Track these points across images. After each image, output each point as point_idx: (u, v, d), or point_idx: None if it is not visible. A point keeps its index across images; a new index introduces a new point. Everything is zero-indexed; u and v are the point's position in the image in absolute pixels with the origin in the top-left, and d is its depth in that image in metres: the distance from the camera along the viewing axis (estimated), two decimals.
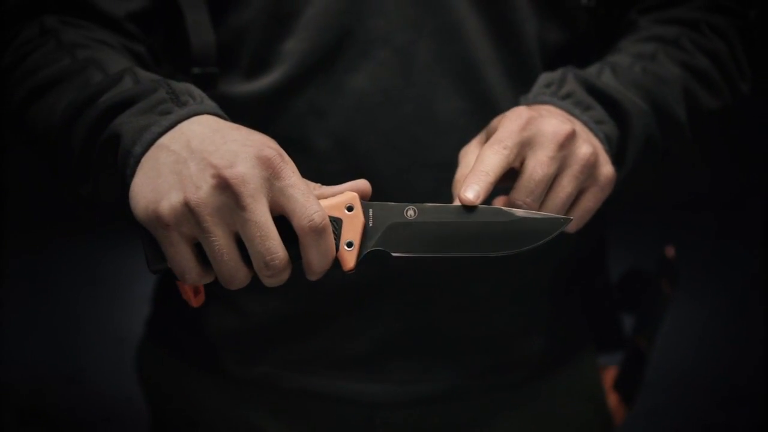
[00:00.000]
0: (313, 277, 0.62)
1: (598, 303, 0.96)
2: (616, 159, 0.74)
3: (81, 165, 0.69)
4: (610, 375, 0.99)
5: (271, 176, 0.60)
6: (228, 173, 0.59)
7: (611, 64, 0.79)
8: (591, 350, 0.95)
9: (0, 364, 2.27)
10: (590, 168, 0.68)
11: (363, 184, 0.63)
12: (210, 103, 0.68)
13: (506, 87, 0.80)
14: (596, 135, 0.72)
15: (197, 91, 0.68)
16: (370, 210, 0.63)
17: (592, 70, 0.78)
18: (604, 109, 0.74)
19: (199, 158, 0.61)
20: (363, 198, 0.63)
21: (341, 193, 0.63)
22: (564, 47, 0.82)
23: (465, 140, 0.74)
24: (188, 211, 0.60)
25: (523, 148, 0.67)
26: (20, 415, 2.18)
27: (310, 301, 0.82)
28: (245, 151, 0.61)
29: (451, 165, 0.73)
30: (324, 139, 0.77)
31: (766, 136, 2.49)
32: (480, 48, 0.79)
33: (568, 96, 0.74)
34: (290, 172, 0.60)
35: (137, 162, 0.63)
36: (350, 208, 0.63)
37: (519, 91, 0.79)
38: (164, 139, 0.64)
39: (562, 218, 0.65)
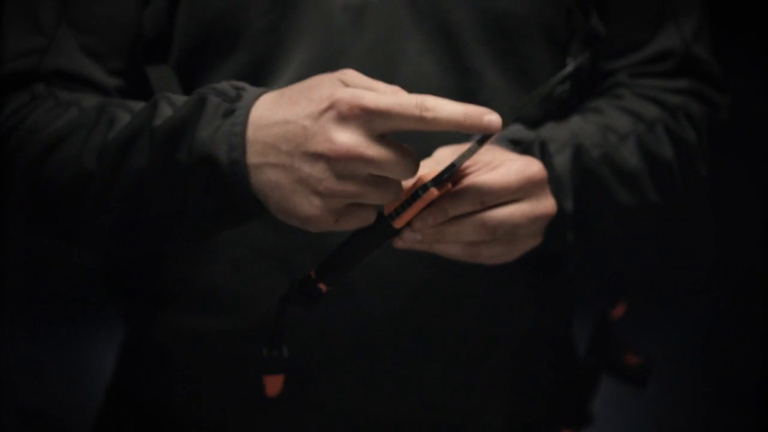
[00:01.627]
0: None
1: (563, 379, 0.95)
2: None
3: (146, 195, 0.70)
4: None
5: (365, 117, 0.62)
6: (335, 154, 0.61)
7: (576, 146, 0.79)
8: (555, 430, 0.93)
9: (0, 364, 2.26)
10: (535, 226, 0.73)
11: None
12: (253, 88, 0.68)
13: None
14: None
15: (237, 82, 0.69)
16: None
17: (557, 141, 0.79)
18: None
19: (298, 155, 0.63)
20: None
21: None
22: (537, 122, 0.82)
23: None
24: (330, 200, 0.63)
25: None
26: (20, 415, 2.18)
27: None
28: (329, 121, 0.62)
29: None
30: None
31: (767, 136, 2.49)
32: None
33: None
34: (372, 100, 0.62)
35: (245, 167, 0.65)
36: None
37: None
38: (251, 153, 0.65)
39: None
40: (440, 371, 0.83)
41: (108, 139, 0.71)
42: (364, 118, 0.62)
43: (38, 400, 2.23)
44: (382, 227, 0.67)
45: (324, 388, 0.81)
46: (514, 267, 0.84)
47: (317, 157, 0.62)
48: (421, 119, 0.62)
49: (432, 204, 0.67)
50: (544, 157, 0.77)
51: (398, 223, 0.67)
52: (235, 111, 0.66)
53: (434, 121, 0.62)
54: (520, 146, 0.77)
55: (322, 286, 0.68)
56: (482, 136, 0.65)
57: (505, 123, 0.64)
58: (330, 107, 0.62)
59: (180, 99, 0.71)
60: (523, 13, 0.80)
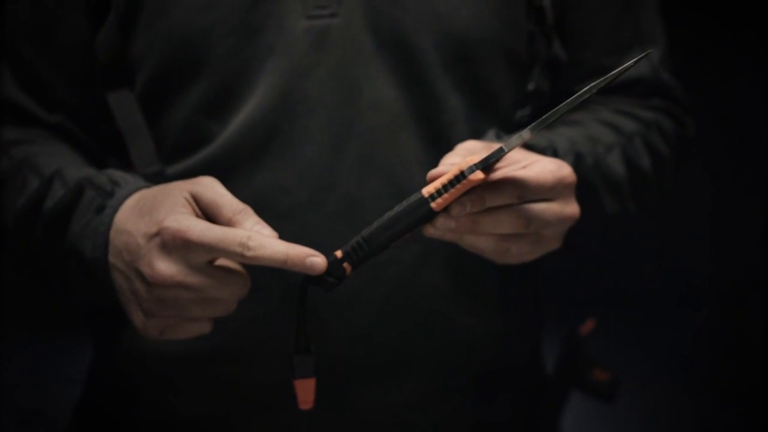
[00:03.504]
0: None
1: (532, 395, 0.94)
2: None
3: (46, 268, 0.79)
4: None
5: (186, 248, 0.65)
6: (154, 281, 0.66)
7: (576, 153, 0.81)
8: None
9: (0, 364, 2.26)
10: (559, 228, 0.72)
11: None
12: (132, 183, 0.74)
13: None
14: None
15: (116, 174, 0.76)
16: None
17: (561, 149, 0.80)
18: None
19: (132, 270, 0.68)
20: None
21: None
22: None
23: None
24: (155, 319, 0.68)
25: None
26: (20, 415, 2.18)
27: (226, 404, 0.84)
28: (153, 247, 0.67)
29: (378, 264, 0.73)
30: None
31: (767, 136, 2.49)
32: (409, 149, 0.79)
33: None
34: (196, 233, 0.65)
35: (106, 265, 0.71)
36: None
37: None
38: (111, 253, 0.71)
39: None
40: (406, 392, 0.83)
41: (16, 206, 0.78)
42: (186, 249, 0.65)
43: (38, 400, 2.23)
44: (420, 208, 0.66)
45: (287, 410, 0.79)
46: (482, 287, 0.84)
47: (142, 277, 0.67)
48: (242, 257, 0.64)
49: (470, 192, 0.67)
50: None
51: (437, 206, 0.66)
52: (105, 209, 0.72)
53: (255, 259, 0.64)
54: (533, 151, 0.77)
55: (347, 267, 0.67)
56: (535, 123, 0.66)
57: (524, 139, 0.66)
58: (156, 234, 0.66)
59: (72, 175, 0.77)
60: (485, 38, 0.81)
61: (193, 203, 0.68)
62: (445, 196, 0.66)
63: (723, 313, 2.49)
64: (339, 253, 0.67)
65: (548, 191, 0.70)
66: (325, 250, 0.67)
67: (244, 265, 0.68)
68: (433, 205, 0.66)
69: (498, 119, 0.83)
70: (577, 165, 0.79)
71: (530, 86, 0.84)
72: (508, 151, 0.65)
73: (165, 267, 0.66)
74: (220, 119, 0.79)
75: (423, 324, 0.82)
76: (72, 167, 0.78)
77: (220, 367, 0.82)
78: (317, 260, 0.65)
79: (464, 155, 0.71)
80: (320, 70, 0.78)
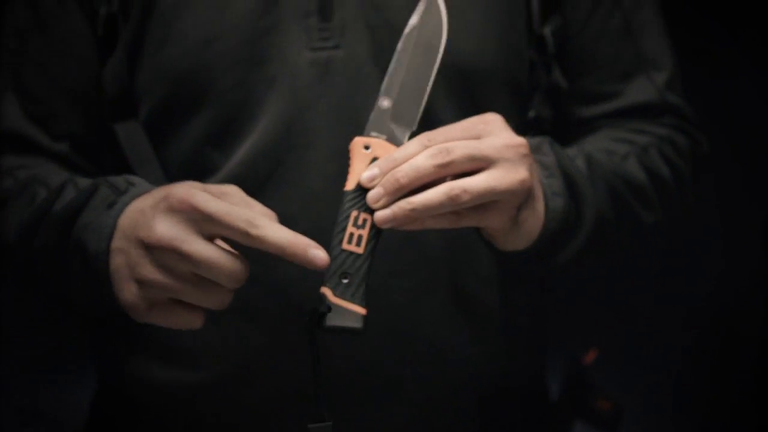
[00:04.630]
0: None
1: (535, 424, 0.94)
2: (562, 240, 0.74)
3: (48, 278, 0.75)
4: None
5: (191, 214, 0.63)
6: (151, 241, 0.64)
7: (587, 155, 0.79)
8: None
9: (0, 364, 2.26)
10: (522, 193, 0.68)
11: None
12: (144, 184, 0.72)
13: None
14: (545, 202, 0.72)
15: (135, 178, 0.72)
16: None
17: (568, 152, 0.78)
18: (567, 186, 0.74)
19: (132, 240, 0.66)
20: None
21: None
22: None
23: (396, 269, 0.77)
24: (146, 288, 0.65)
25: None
26: (20, 415, 2.18)
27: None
28: (158, 210, 0.65)
29: (379, 292, 0.74)
30: (251, 264, 0.77)
31: (767, 136, 2.49)
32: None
33: (537, 159, 0.74)
34: (203, 200, 0.62)
35: (106, 258, 0.68)
36: None
37: None
38: (115, 238, 0.68)
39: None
40: (407, 417, 0.83)
41: (23, 218, 0.76)
42: (191, 215, 0.63)
43: (38, 400, 2.23)
44: (353, 201, 0.68)
45: None
46: (484, 315, 0.84)
47: (140, 242, 0.65)
48: (246, 235, 0.63)
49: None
50: (558, 153, 0.76)
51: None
52: (116, 204, 0.70)
53: (258, 239, 0.63)
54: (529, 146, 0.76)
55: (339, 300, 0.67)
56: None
57: None
58: (164, 199, 0.65)
59: (86, 182, 0.75)
60: (487, 67, 0.81)
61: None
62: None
63: (721, 322, 2.49)
64: (323, 289, 0.67)
65: (464, 131, 0.68)
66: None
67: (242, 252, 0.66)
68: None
69: None
70: (590, 164, 0.79)
71: (531, 114, 0.84)
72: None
73: (165, 228, 0.64)
74: (224, 150, 0.79)
75: (424, 350, 0.82)
76: (83, 178, 0.78)
77: (222, 397, 0.82)
78: (319, 253, 0.64)
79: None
80: (323, 101, 0.78)
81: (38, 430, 2.17)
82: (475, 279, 0.79)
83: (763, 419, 2.12)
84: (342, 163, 0.77)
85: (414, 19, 0.73)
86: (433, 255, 0.81)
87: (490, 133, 0.68)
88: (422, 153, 0.66)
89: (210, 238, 0.64)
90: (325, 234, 0.77)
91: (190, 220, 0.64)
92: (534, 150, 0.75)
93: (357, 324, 0.66)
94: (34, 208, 0.76)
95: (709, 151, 0.92)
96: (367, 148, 0.67)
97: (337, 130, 0.78)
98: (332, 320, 0.66)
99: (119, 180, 0.73)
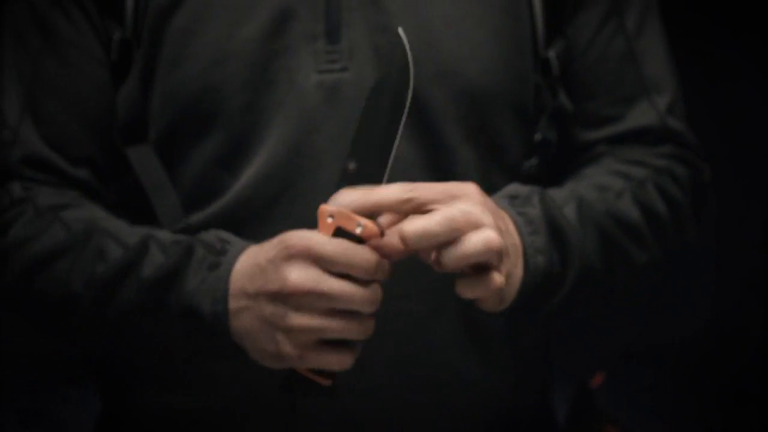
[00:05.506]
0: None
1: None
2: (545, 293, 0.75)
3: (131, 328, 0.75)
4: None
5: (313, 257, 0.66)
6: (288, 290, 0.66)
7: (578, 199, 0.80)
8: None
9: (0, 363, 2.26)
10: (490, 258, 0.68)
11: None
12: (242, 242, 0.73)
13: None
14: (524, 262, 0.73)
15: (223, 233, 0.74)
16: None
17: (558, 197, 0.79)
18: (553, 240, 0.75)
19: (260, 296, 0.67)
20: None
21: None
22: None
23: (405, 293, 0.78)
24: (294, 336, 0.66)
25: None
26: (20, 415, 2.18)
27: None
28: (280, 261, 0.66)
29: (385, 317, 0.73)
30: None
31: (767, 136, 2.49)
32: None
33: (523, 214, 0.75)
34: (320, 243, 0.66)
35: (227, 320, 0.70)
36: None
37: None
38: (231, 301, 0.70)
39: None
40: None
41: (98, 272, 0.75)
42: (312, 257, 0.66)
43: (38, 400, 2.23)
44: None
45: None
46: (492, 339, 0.84)
47: (272, 295, 0.67)
48: (365, 271, 0.66)
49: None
50: (546, 205, 0.77)
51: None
52: (220, 265, 0.71)
53: (378, 274, 0.66)
54: (518, 199, 0.77)
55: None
56: None
57: None
58: (282, 249, 0.67)
59: (168, 239, 0.75)
60: (494, 90, 0.81)
61: None
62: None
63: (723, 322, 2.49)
64: None
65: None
66: None
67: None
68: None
69: (507, 170, 0.83)
70: (581, 209, 0.79)
71: (537, 137, 0.85)
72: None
73: (296, 276, 0.66)
74: (233, 172, 0.80)
75: (433, 375, 0.82)
76: (159, 232, 0.77)
77: (224, 425, 0.82)
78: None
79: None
80: (331, 124, 0.79)
81: (38, 430, 2.17)
82: None
83: (764, 419, 2.12)
84: (350, 186, 0.78)
85: (379, 73, 0.73)
86: (440, 279, 0.81)
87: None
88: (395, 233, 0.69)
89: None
90: None
91: (314, 262, 0.66)
92: (522, 202, 0.76)
93: (325, 387, 0.69)
94: (111, 267, 0.75)
95: (710, 180, 0.92)
96: (331, 217, 0.67)
97: (345, 152, 0.78)
98: (299, 389, 0.70)
99: (212, 238, 0.74)
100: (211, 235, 0.74)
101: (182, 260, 0.72)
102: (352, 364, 0.68)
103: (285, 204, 0.79)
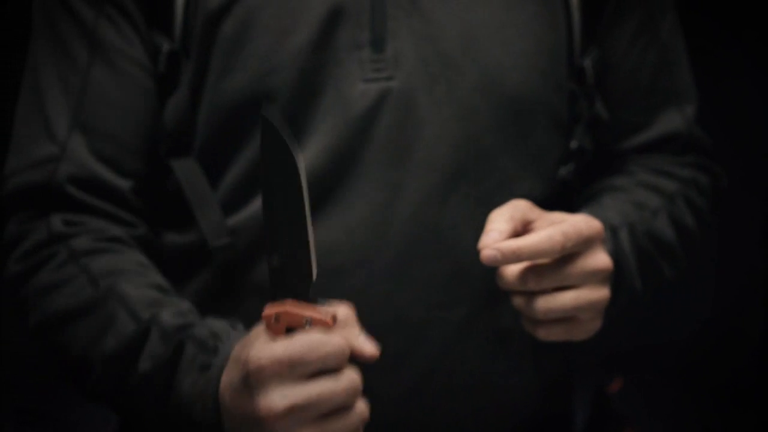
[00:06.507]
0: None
1: None
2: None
3: (131, 411, 0.76)
4: None
5: (281, 370, 0.62)
6: (269, 418, 0.62)
7: (630, 225, 0.83)
8: None
9: (0, 363, 2.26)
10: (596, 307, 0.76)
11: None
12: (233, 335, 0.71)
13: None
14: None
15: (217, 325, 0.71)
16: None
17: (614, 220, 0.83)
18: (616, 272, 0.80)
19: (248, 421, 0.64)
20: None
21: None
22: (546, 204, 0.83)
23: (441, 301, 0.79)
24: None
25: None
26: (20, 415, 2.18)
27: None
28: (251, 388, 0.63)
29: (423, 324, 0.76)
30: None
31: (767, 136, 2.49)
32: (458, 209, 0.80)
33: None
34: (282, 353, 0.62)
35: (218, 417, 0.67)
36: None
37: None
38: (224, 415, 0.67)
39: None
40: None
41: (107, 347, 0.74)
42: (282, 369, 0.62)
43: (38, 400, 2.23)
44: None
45: None
46: (522, 347, 0.86)
47: (261, 423, 0.64)
48: (327, 359, 0.63)
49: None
50: (616, 242, 0.81)
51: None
52: (210, 368, 0.69)
53: (342, 357, 0.64)
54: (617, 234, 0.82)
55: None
56: None
57: None
58: (247, 373, 0.63)
59: (170, 324, 0.73)
60: (533, 99, 0.83)
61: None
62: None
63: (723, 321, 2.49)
64: None
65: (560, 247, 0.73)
66: (373, 310, 0.68)
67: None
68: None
69: (543, 179, 0.84)
70: (633, 237, 0.82)
71: (573, 145, 0.85)
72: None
73: (271, 402, 0.62)
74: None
75: (466, 382, 0.83)
76: (164, 310, 0.75)
77: None
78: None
79: (512, 212, 0.75)
80: (375, 132, 0.79)
81: (38, 430, 2.17)
82: (513, 311, 0.80)
83: (763, 419, 2.12)
84: (391, 193, 0.79)
85: (266, 166, 0.69)
86: (476, 289, 0.82)
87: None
88: (528, 303, 0.75)
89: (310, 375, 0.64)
90: (367, 263, 0.78)
91: (288, 375, 0.63)
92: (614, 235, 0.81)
93: None
94: (118, 345, 0.74)
95: (726, 185, 0.95)
96: (276, 319, 0.64)
97: (387, 160, 0.79)
98: None
99: (204, 333, 0.72)
100: (204, 330, 0.72)
101: (174, 357, 0.71)
102: (366, 418, 0.66)
103: (326, 210, 0.79)
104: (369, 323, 0.70)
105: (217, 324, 0.73)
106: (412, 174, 0.80)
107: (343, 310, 0.65)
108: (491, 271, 0.79)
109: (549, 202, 0.84)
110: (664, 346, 2.40)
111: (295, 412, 0.62)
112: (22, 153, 0.83)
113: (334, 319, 0.64)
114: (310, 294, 0.65)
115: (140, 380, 0.73)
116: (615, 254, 0.80)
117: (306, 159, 0.78)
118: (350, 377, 0.64)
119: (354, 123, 0.79)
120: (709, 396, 2.26)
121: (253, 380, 0.63)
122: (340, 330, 0.64)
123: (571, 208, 0.86)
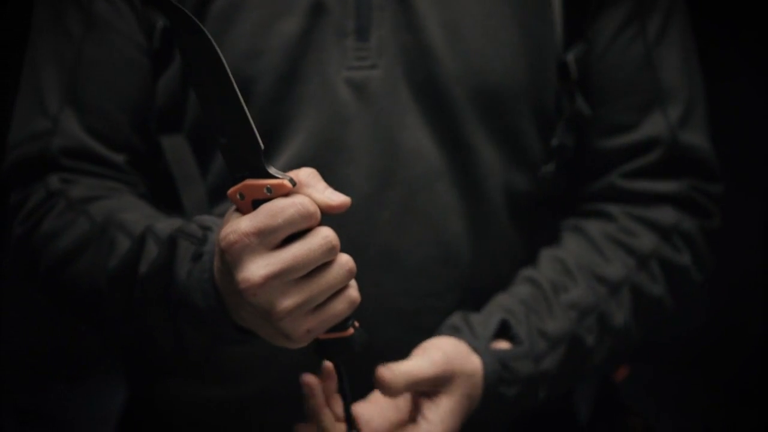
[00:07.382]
0: None
1: None
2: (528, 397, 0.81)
3: (142, 327, 0.75)
4: None
5: (253, 242, 0.62)
6: (251, 289, 0.62)
7: (572, 337, 0.82)
8: None
9: (0, 363, 2.26)
10: None
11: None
12: (219, 226, 0.69)
13: (469, 237, 0.81)
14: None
15: (206, 219, 0.71)
16: None
17: (550, 338, 0.82)
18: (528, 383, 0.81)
19: (241, 297, 0.63)
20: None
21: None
22: (530, 197, 0.84)
23: (432, 290, 0.78)
24: (290, 320, 0.63)
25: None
26: (20, 415, 2.18)
27: None
28: (231, 265, 0.63)
29: (415, 313, 0.76)
30: None
31: (767, 137, 2.49)
32: (446, 198, 0.81)
33: (504, 381, 0.79)
34: (250, 225, 0.62)
35: (224, 312, 0.68)
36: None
37: (482, 241, 0.81)
38: (225, 296, 0.67)
39: None
40: None
41: (110, 266, 0.75)
42: (253, 241, 0.61)
43: (38, 400, 2.23)
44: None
45: None
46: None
47: (246, 295, 0.63)
48: (301, 218, 0.62)
49: None
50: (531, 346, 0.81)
51: None
52: (203, 256, 0.69)
53: (314, 213, 0.63)
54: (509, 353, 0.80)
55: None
56: None
57: None
58: (222, 252, 0.63)
59: (163, 231, 0.74)
60: (517, 90, 0.83)
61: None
62: None
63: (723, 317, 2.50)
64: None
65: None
66: (364, 298, 0.67)
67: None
68: None
69: (527, 172, 0.84)
70: (571, 353, 0.82)
71: (554, 142, 0.85)
72: None
73: (250, 273, 0.61)
74: None
75: None
76: (159, 222, 0.76)
77: (258, 414, 0.83)
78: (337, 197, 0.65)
79: (433, 355, 0.74)
80: (359, 120, 0.80)
81: (38, 430, 2.17)
82: None
83: (764, 419, 2.12)
84: (377, 181, 0.79)
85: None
86: (467, 276, 0.82)
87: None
88: None
89: (283, 242, 0.63)
90: (359, 251, 0.77)
91: (260, 245, 0.62)
92: (512, 356, 0.80)
93: (352, 336, 0.68)
94: (119, 262, 0.75)
95: (720, 225, 0.91)
96: (241, 196, 0.64)
97: (373, 148, 0.80)
98: (330, 351, 0.68)
99: (193, 227, 0.72)
100: (193, 225, 0.72)
101: (169, 255, 0.72)
102: (359, 297, 0.65)
103: None
104: (360, 313, 0.70)
105: (206, 218, 0.73)
106: (398, 163, 0.80)
107: (306, 171, 0.64)
108: (481, 258, 0.79)
109: (534, 197, 0.84)
110: (662, 344, 2.40)
111: (273, 279, 0.61)
112: (20, 126, 0.85)
113: (293, 181, 0.64)
114: (264, 164, 0.64)
115: (142, 285, 0.73)
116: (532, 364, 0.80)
117: (293, 145, 0.80)
118: (323, 234, 0.62)
119: (338, 110, 0.80)
120: (708, 395, 2.26)
121: (228, 257, 0.62)
122: (304, 190, 0.63)
123: (555, 205, 0.86)
